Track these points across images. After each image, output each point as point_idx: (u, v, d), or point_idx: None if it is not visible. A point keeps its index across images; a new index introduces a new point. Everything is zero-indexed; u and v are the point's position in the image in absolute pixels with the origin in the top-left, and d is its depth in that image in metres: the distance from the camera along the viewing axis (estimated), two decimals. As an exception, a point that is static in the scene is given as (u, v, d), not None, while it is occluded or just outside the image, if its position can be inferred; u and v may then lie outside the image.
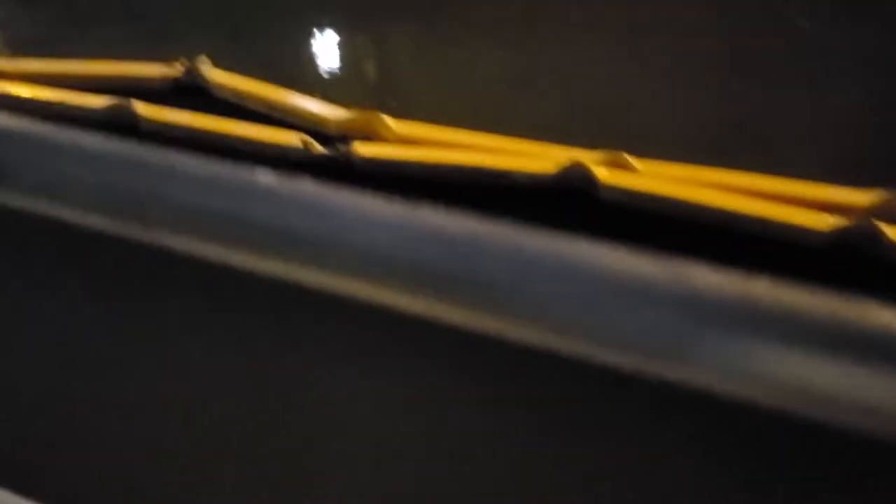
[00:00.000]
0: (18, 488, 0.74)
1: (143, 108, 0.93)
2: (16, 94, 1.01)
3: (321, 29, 1.41)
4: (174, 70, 1.00)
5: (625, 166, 0.59)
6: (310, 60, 1.31)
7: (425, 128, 0.77)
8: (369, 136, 0.80)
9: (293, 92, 0.93)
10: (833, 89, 0.80)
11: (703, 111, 0.81)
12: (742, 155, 0.70)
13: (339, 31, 1.40)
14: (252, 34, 1.37)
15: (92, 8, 1.60)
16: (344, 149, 0.75)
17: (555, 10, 1.09)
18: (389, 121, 0.80)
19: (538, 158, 0.64)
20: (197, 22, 1.39)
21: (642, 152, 0.63)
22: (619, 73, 0.90)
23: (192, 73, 0.99)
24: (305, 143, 0.78)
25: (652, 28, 0.94)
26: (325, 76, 1.26)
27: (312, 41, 1.36)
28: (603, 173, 0.57)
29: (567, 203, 0.61)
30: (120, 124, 0.93)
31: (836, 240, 0.49)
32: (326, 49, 1.34)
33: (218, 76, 0.98)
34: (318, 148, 0.77)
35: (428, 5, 1.29)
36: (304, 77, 1.24)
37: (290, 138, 0.80)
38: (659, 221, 0.56)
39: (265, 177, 0.45)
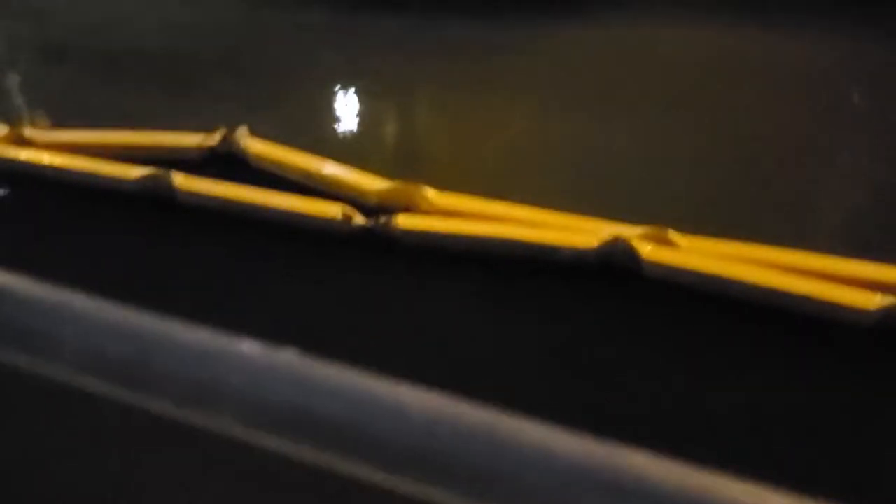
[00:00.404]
0: None
1: (179, 180, 0.97)
2: (53, 164, 1.05)
3: (356, 98, 1.45)
4: (211, 140, 1.04)
5: (668, 242, 0.61)
6: (346, 129, 1.35)
7: (465, 199, 0.79)
8: (409, 208, 0.83)
9: (332, 162, 0.97)
10: (874, 163, 0.83)
11: (740, 184, 0.83)
12: (777, 228, 0.72)
13: (373, 100, 1.44)
14: (288, 103, 1.42)
15: (123, 68, 1.66)
16: (384, 221, 0.78)
17: (589, 81, 1.13)
18: (429, 192, 0.83)
19: (580, 232, 0.67)
20: (234, 89, 1.44)
21: (679, 224, 0.65)
22: (653, 145, 0.92)
23: (230, 142, 1.03)
24: (345, 216, 0.81)
25: (688, 101, 0.97)
26: (361, 145, 1.30)
27: (347, 110, 1.40)
28: (646, 249, 0.60)
29: (610, 278, 0.63)
30: (156, 196, 0.97)
31: (883, 319, 0.51)
32: (360, 117, 1.38)
33: (256, 146, 1.02)
34: (359, 220, 0.79)
35: (464, 74, 1.33)
36: (342, 146, 1.28)
37: (330, 210, 0.83)
38: (702, 299, 0.58)
39: (248, 347, 0.45)
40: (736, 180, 0.82)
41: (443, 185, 0.89)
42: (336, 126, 1.41)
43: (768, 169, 0.83)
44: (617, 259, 0.60)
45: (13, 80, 1.66)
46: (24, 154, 1.07)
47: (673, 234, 0.61)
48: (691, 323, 0.61)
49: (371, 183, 0.90)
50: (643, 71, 1.09)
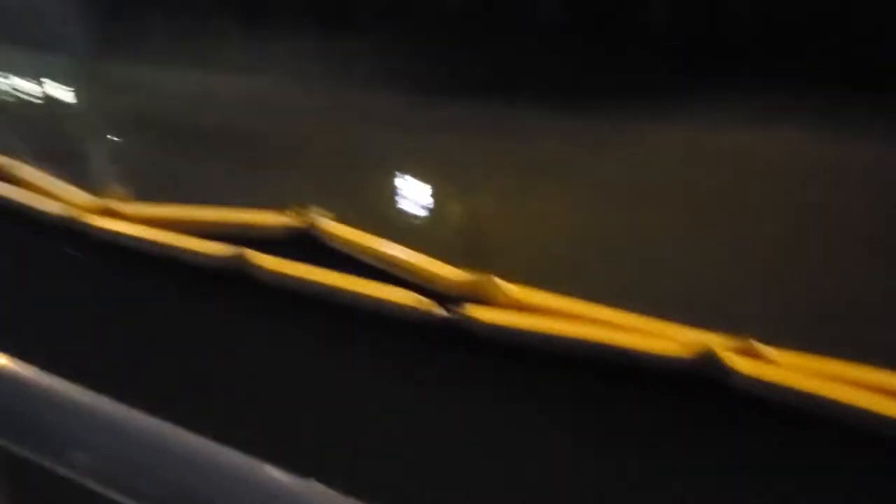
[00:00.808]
0: None
1: (258, 259, 0.96)
2: (139, 236, 1.06)
3: (426, 181, 1.45)
4: (289, 220, 1.04)
5: (757, 355, 0.59)
6: (415, 212, 1.34)
7: (542, 295, 0.78)
8: (486, 300, 0.81)
9: (408, 248, 0.96)
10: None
11: (822, 294, 0.81)
12: (867, 345, 0.69)
13: (443, 184, 1.43)
14: (362, 184, 1.41)
15: (204, 143, 1.68)
16: (462, 313, 0.77)
17: (664, 180, 1.11)
18: (505, 285, 0.81)
19: (662, 338, 0.64)
20: (308, 168, 1.45)
21: (755, 332, 0.63)
22: (731, 250, 0.90)
23: (307, 223, 1.03)
24: (423, 305, 0.80)
25: (769, 207, 0.95)
26: (430, 229, 1.29)
27: (418, 193, 1.40)
28: (737, 362, 0.57)
29: (694, 388, 0.61)
30: (235, 274, 0.97)
31: None
32: (430, 201, 1.38)
33: (333, 228, 1.02)
34: (437, 311, 0.78)
35: (538, 164, 1.32)
36: (411, 229, 1.27)
37: (408, 298, 0.82)
38: (794, 417, 0.56)
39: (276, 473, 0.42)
40: (817, 290, 0.80)
41: (512, 275, 0.87)
42: (406, 209, 1.41)
43: (853, 279, 0.80)
44: (707, 371, 0.58)
45: (102, 151, 1.70)
46: (110, 224, 1.08)
47: (763, 348, 0.59)
48: (779, 440, 0.58)
49: (447, 272, 0.89)
50: (722, 174, 1.07)
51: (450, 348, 0.77)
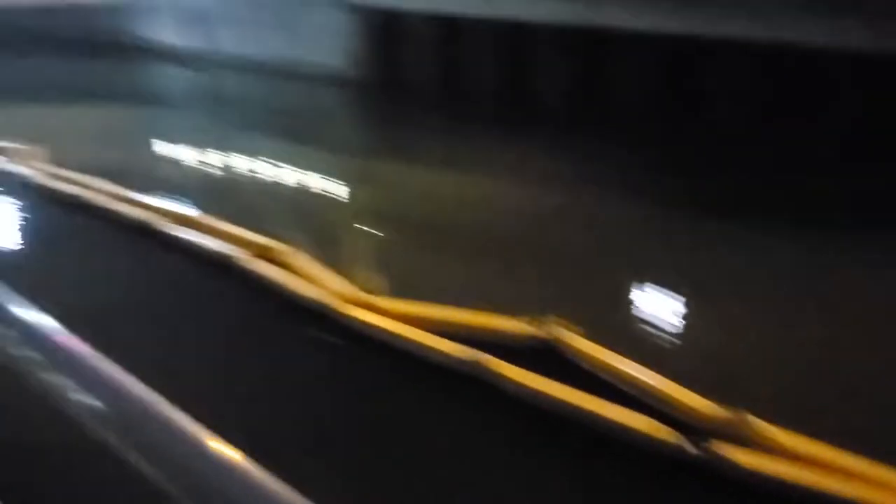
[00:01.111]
0: None
1: (497, 365, 0.94)
2: (386, 329, 1.07)
3: (675, 301, 1.38)
4: (533, 329, 1.01)
5: None
6: (654, 328, 1.27)
7: (809, 442, 0.69)
8: (737, 439, 0.73)
9: (653, 372, 0.90)
10: None
11: None
12: None
13: (695, 306, 1.36)
14: (608, 297, 1.36)
15: (447, 241, 1.69)
16: (715, 451, 0.69)
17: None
18: (764, 425, 0.73)
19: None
20: (549, 274, 1.41)
21: None
22: None
23: (551, 335, 0.99)
24: (671, 438, 0.73)
25: None
26: (679, 352, 1.21)
27: (666, 313, 1.33)
28: None
29: None
30: (473, 377, 0.94)
31: None
32: (671, 319, 1.31)
33: (577, 342, 0.97)
34: (687, 446, 0.71)
35: (784, 287, 1.22)
36: (659, 352, 1.20)
37: (652, 427, 0.75)
38: None
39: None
40: None
41: (766, 413, 0.78)
42: (651, 326, 1.34)
43: None
44: None
45: (364, 244, 1.76)
46: (361, 314, 1.10)
47: None
48: None
49: (696, 403, 0.82)
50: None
51: (696, 487, 0.69)
